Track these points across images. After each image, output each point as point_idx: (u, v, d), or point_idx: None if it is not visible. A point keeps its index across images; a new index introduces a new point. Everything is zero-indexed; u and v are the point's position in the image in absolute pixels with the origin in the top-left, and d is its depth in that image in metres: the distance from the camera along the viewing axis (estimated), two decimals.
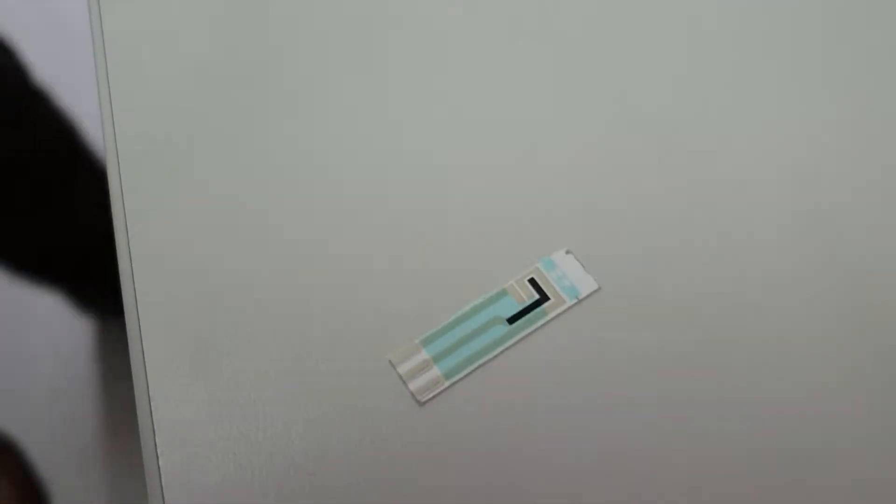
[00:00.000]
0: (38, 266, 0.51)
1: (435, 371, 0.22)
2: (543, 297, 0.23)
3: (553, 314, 0.23)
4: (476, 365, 0.22)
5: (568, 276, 0.23)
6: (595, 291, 0.23)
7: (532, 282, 0.23)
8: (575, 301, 0.23)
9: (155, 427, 0.21)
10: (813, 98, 0.26)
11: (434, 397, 0.22)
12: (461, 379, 0.22)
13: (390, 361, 0.22)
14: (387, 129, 0.25)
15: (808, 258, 0.23)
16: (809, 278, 0.23)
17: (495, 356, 0.22)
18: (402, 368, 0.22)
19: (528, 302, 0.23)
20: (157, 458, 0.21)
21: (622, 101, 0.26)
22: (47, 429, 0.70)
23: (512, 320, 0.23)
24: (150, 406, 0.21)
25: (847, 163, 0.25)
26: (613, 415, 0.21)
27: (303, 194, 0.24)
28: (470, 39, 0.27)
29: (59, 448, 0.69)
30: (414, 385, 0.22)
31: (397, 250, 0.23)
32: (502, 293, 0.23)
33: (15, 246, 0.47)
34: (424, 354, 0.22)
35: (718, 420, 0.21)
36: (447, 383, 0.22)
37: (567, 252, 0.24)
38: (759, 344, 0.22)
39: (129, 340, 0.22)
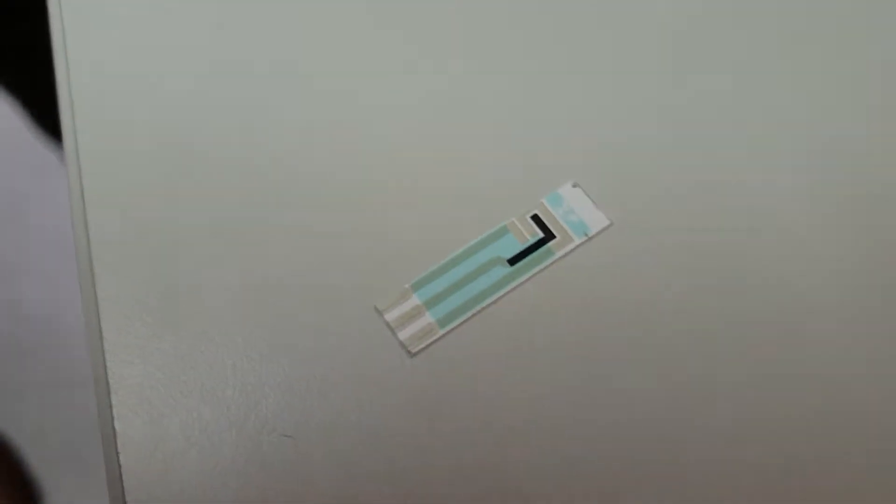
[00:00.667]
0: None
1: (427, 318, 0.19)
2: (549, 235, 0.20)
3: (560, 253, 0.20)
4: (474, 311, 0.20)
5: (576, 211, 0.21)
6: (606, 228, 0.20)
7: (536, 218, 0.21)
8: (584, 238, 0.20)
9: (110, 386, 0.19)
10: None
11: (427, 347, 0.19)
12: (457, 326, 0.19)
13: (377, 308, 0.19)
14: (379, 62, 0.23)
15: (831, 194, 0.21)
16: (830, 214, 0.20)
17: (495, 301, 0.20)
18: (391, 316, 0.19)
19: (532, 240, 0.20)
20: (113, 419, 0.18)
21: (637, 24, 0.23)
22: (39, 425, 0.68)
23: (513, 261, 0.20)
24: (105, 361, 0.19)
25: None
26: (626, 361, 0.19)
27: (281, 128, 0.22)
28: None
29: (51, 445, 0.66)
30: (404, 334, 0.19)
31: (385, 185, 0.21)
32: (503, 231, 0.20)
33: None
34: (416, 300, 0.20)
35: (737, 363, 0.19)
36: (441, 331, 0.19)
37: (574, 185, 0.21)
38: (777, 284, 0.20)
39: (82, 289, 0.20)
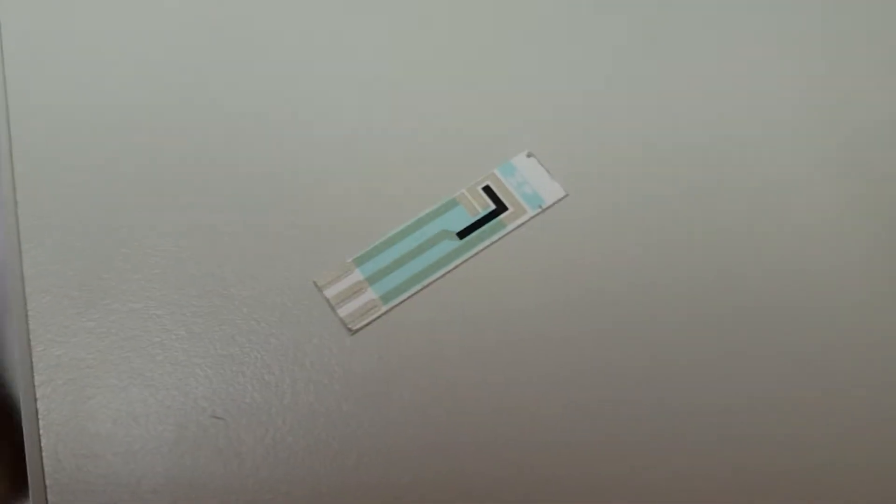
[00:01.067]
0: None
1: (370, 294, 0.18)
2: (501, 207, 0.19)
3: (512, 226, 0.19)
4: (420, 286, 0.19)
5: (530, 182, 0.20)
6: (562, 199, 0.19)
7: (487, 189, 0.20)
8: (538, 210, 0.19)
9: (34, 366, 0.18)
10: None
11: (368, 324, 0.18)
12: (401, 303, 0.18)
13: (315, 284, 0.18)
14: (325, 36, 0.22)
15: (787, 156, 0.20)
16: (795, 174, 0.19)
17: (443, 275, 0.19)
18: (331, 292, 0.18)
19: (483, 213, 0.19)
20: (35, 400, 0.17)
21: None
22: None
23: (463, 234, 0.19)
24: (29, 340, 0.18)
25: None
26: (580, 338, 0.18)
27: (222, 103, 0.21)
28: None
29: None
30: (344, 311, 0.18)
31: (329, 155, 0.20)
32: (452, 203, 0.19)
33: None
34: (358, 275, 0.19)
35: (698, 338, 0.18)
36: (384, 308, 0.18)
37: (529, 155, 0.20)
38: (732, 250, 0.18)
39: (8, 266, 0.19)
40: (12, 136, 0.20)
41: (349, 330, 0.18)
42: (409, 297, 0.18)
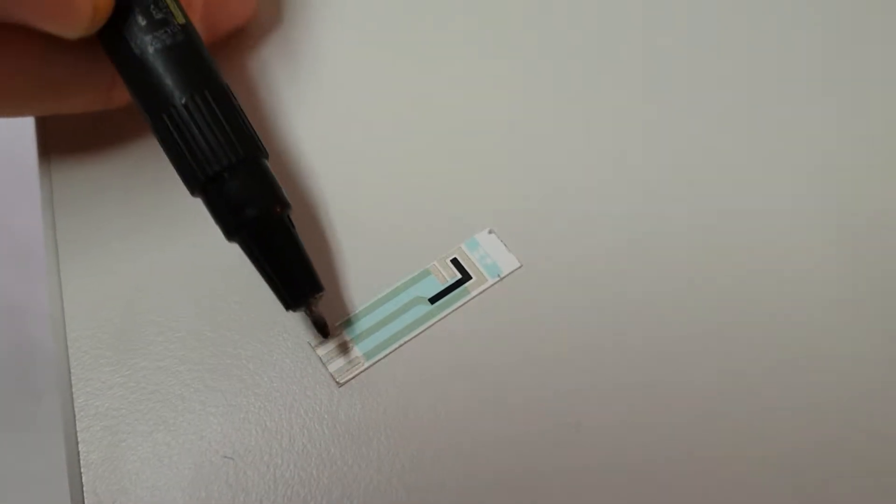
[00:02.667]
0: None
1: (355, 352, 0.22)
2: (466, 276, 0.23)
3: (475, 292, 0.23)
4: (398, 344, 0.22)
5: (490, 255, 0.23)
6: (517, 269, 0.23)
7: (455, 261, 0.23)
8: (496, 279, 0.23)
9: (76, 414, 0.21)
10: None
11: (353, 378, 0.22)
12: (381, 359, 0.22)
13: (310, 344, 0.22)
14: (306, 109, 0.26)
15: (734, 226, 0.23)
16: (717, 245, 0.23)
17: (417, 335, 0.22)
18: (322, 350, 0.22)
19: (451, 281, 0.23)
20: (77, 444, 0.21)
21: (558, 74, 0.26)
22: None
23: (434, 300, 0.23)
24: (72, 394, 0.22)
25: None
26: (529, 388, 0.21)
27: None
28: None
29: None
30: (333, 366, 0.22)
31: (322, 232, 0.23)
32: (425, 273, 0.23)
33: None
34: (345, 336, 0.22)
35: (641, 398, 0.21)
36: (367, 363, 0.22)
37: (490, 232, 0.24)
38: (675, 321, 0.22)
39: (53, 332, 0.22)
40: (57, 225, 0.24)
41: (337, 383, 0.22)
42: (388, 354, 0.22)
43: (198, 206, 0.21)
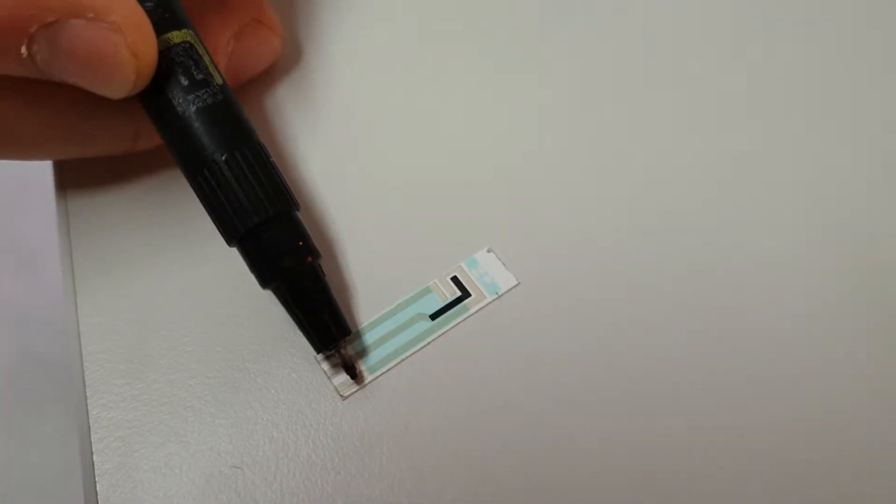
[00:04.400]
0: None
1: (359, 366, 0.23)
2: (465, 294, 0.24)
3: (474, 309, 0.24)
4: (399, 359, 0.23)
5: (489, 273, 0.24)
6: (514, 287, 0.24)
7: (455, 279, 0.24)
8: (495, 296, 0.24)
9: (91, 426, 0.22)
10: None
11: (356, 391, 0.23)
12: (384, 373, 0.23)
13: (315, 358, 0.23)
14: (311, 134, 0.27)
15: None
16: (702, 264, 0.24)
17: (418, 350, 0.23)
18: (327, 365, 0.23)
19: (451, 298, 0.24)
20: (92, 454, 0.22)
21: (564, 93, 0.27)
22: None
23: (434, 316, 0.24)
24: (87, 406, 0.23)
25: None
26: (525, 404, 0.22)
27: None
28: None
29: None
30: (337, 380, 0.23)
31: (326, 250, 0.24)
32: (426, 291, 0.24)
33: None
34: (349, 351, 0.23)
35: (636, 413, 0.22)
36: (370, 378, 0.23)
37: (488, 251, 0.24)
38: (663, 337, 0.23)
39: (69, 347, 0.23)
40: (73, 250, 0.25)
41: (341, 396, 0.22)
42: (390, 369, 0.23)
43: (209, 225, 0.22)
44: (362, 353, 0.23)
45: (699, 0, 0.29)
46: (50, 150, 0.24)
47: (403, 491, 0.21)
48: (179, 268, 0.24)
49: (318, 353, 0.22)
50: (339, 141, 0.26)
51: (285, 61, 0.28)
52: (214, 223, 0.22)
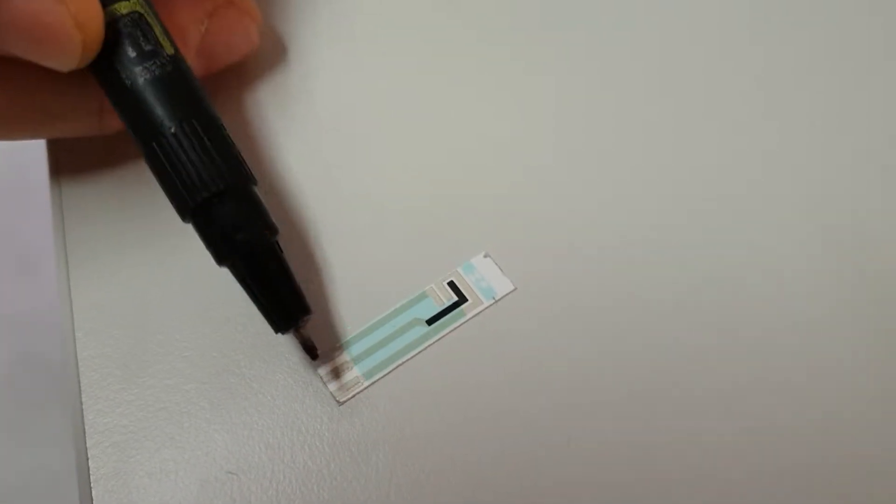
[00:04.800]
0: None
1: (355, 371, 0.23)
2: (462, 299, 0.24)
3: (470, 314, 0.24)
4: (396, 364, 0.23)
5: (486, 278, 0.24)
6: (511, 292, 0.24)
7: (451, 284, 0.24)
8: (491, 301, 0.24)
9: (86, 431, 0.22)
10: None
11: (353, 397, 0.22)
12: (380, 379, 0.23)
13: (311, 364, 0.23)
14: (300, 136, 0.26)
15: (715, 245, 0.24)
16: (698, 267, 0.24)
17: (414, 355, 0.23)
18: (323, 370, 0.23)
19: (447, 304, 0.24)
20: (87, 459, 0.22)
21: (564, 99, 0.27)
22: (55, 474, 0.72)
23: (431, 321, 0.24)
24: (82, 412, 0.22)
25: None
26: (521, 409, 0.22)
27: None
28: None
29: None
30: (333, 386, 0.23)
31: (322, 256, 0.24)
32: (422, 296, 0.24)
33: None
34: (345, 356, 0.23)
35: (632, 416, 0.22)
36: (366, 383, 0.23)
37: (485, 256, 0.24)
38: (661, 341, 0.23)
39: (64, 351, 0.23)
40: (69, 254, 0.25)
41: (337, 402, 0.22)
42: (386, 374, 0.23)
43: None
44: (357, 358, 0.23)
45: (692, 11, 0.29)
46: (14, 130, 0.24)
47: (400, 497, 0.21)
48: (176, 270, 0.24)
49: (276, 332, 0.21)
50: (333, 144, 0.26)
51: (268, 58, 0.28)
52: (169, 199, 0.21)
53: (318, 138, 0.27)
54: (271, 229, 0.21)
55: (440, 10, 0.29)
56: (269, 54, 0.28)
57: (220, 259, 0.21)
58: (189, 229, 0.24)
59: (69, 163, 0.26)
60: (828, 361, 0.22)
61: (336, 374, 0.23)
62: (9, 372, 0.79)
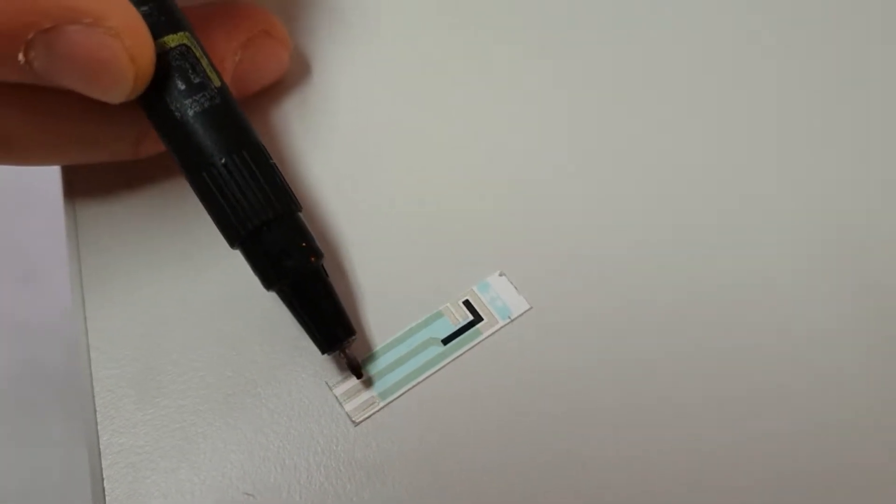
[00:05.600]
0: None
1: (371, 392, 0.23)
2: (477, 318, 0.24)
3: (486, 334, 0.24)
4: (411, 385, 0.23)
5: (501, 297, 0.24)
6: (527, 311, 0.24)
7: (467, 303, 0.24)
8: (507, 321, 0.24)
9: (101, 451, 0.22)
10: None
11: (369, 417, 0.22)
12: (396, 399, 0.23)
13: (327, 384, 0.23)
14: (321, 157, 0.26)
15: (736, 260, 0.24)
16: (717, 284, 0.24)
17: (430, 375, 0.23)
18: (339, 390, 0.23)
19: (463, 323, 0.24)
20: (103, 480, 0.22)
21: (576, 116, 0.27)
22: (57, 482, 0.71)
23: (446, 341, 0.23)
24: (97, 431, 0.22)
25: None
26: (538, 430, 0.22)
27: None
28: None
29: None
30: (350, 406, 0.23)
31: (337, 275, 0.24)
32: (438, 315, 0.24)
33: None
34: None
35: (648, 436, 0.22)
36: (382, 403, 0.23)
37: (500, 274, 0.24)
38: (676, 354, 0.23)
39: (82, 371, 0.23)
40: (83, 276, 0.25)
41: (353, 422, 0.22)
42: (402, 394, 0.23)
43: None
44: (373, 377, 0.23)
45: (704, 18, 0.29)
46: (52, 156, 0.24)
47: None
48: (190, 290, 0.24)
49: (323, 353, 0.22)
50: (348, 163, 0.26)
51: (293, 77, 0.28)
52: (217, 226, 0.21)
53: (336, 156, 0.26)
54: (317, 254, 0.22)
55: (464, 33, 0.29)
56: (294, 75, 0.28)
57: (269, 284, 0.21)
58: (207, 249, 0.24)
59: (83, 183, 0.26)
60: (831, 369, 0.22)
61: (352, 394, 0.23)
62: (12, 380, 0.78)
